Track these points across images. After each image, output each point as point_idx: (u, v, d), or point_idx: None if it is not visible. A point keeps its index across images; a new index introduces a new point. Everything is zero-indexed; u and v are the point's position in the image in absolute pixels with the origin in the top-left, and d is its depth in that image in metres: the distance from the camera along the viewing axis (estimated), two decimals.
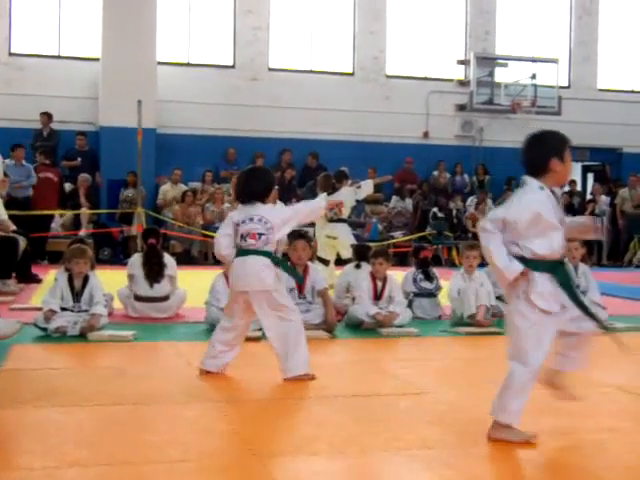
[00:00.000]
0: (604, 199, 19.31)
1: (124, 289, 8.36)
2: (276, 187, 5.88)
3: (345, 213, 10.99)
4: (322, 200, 6.57)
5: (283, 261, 5.47)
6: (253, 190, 5.39)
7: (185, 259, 15.23)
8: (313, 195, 12.54)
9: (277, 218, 5.32)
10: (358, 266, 8.56)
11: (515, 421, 3.84)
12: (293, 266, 7.54)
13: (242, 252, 5.30)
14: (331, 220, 10.68)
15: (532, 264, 3.82)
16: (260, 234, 5.24)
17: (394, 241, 16.38)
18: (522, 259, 3.82)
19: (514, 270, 3.80)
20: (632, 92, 21.40)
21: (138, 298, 8.18)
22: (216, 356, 5.41)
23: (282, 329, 5.25)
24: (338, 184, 11.09)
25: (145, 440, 3.90)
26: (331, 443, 3.88)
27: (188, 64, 18.60)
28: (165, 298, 8.24)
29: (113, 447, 3.75)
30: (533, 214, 3.80)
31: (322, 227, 10.80)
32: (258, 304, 5.25)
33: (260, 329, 7.27)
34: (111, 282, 8.63)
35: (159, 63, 17.53)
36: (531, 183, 3.91)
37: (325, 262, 10.42)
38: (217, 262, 6.93)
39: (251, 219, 5.29)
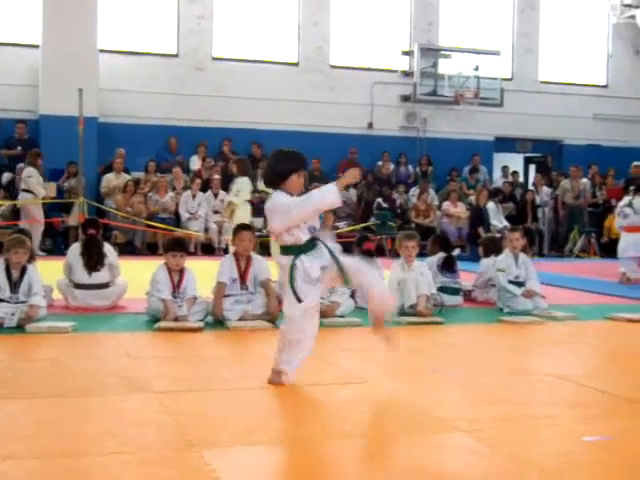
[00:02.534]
0: (545, 190, 19.59)
1: (63, 279, 8.26)
2: (299, 173, 4.69)
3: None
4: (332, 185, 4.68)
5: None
6: (264, 175, 5.01)
7: (128, 250, 15.07)
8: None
9: (270, 206, 4.76)
10: None
11: None
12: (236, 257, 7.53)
13: None
14: None
15: None
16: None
17: (338, 231, 16.37)
18: None
19: None
20: (573, 85, 21.70)
21: (77, 286, 8.10)
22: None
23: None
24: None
25: (82, 432, 3.84)
26: (270, 433, 3.87)
27: (131, 52, 18.37)
28: (105, 285, 8.16)
29: (49, 440, 3.69)
30: None
31: None
32: None
33: (202, 320, 7.28)
34: (53, 272, 8.51)
35: (101, 51, 17.29)
36: None
37: None
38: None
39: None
